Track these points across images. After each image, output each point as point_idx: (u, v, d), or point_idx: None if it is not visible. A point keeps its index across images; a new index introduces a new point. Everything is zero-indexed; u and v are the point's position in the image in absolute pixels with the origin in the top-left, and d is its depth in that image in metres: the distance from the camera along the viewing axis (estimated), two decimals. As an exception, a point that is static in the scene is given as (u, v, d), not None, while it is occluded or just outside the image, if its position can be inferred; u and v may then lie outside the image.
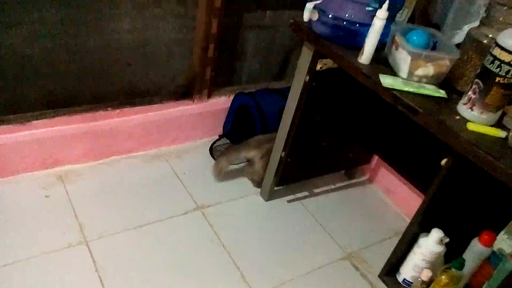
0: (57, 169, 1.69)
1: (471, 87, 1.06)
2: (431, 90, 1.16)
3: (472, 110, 1.07)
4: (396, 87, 1.14)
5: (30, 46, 1.44)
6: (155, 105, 1.82)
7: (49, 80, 1.55)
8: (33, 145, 1.59)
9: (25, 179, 1.62)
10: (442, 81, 1.21)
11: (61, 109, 1.62)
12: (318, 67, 1.42)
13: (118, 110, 1.73)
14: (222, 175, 1.79)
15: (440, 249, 1.26)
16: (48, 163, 1.67)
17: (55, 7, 1.41)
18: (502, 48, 0.97)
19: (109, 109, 1.71)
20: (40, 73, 1.51)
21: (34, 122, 1.57)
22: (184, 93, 1.88)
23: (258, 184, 1.81)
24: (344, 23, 1.28)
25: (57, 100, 1.61)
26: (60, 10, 1.42)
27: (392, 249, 1.37)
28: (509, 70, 0.98)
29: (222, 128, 2.04)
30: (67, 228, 1.48)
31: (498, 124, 1.08)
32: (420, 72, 1.18)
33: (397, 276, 1.39)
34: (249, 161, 1.79)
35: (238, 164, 1.87)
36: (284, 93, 1.76)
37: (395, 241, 1.37)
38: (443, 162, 1.15)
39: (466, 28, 1.32)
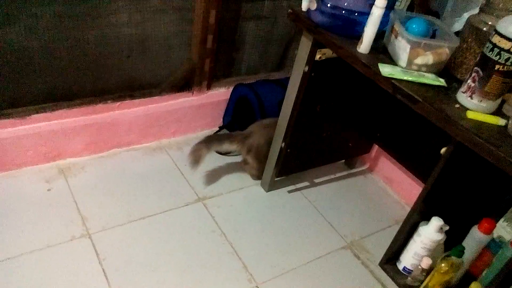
0: (58, 162, 1.70)
1: (470, 75, 1.06)
2: (430, 78, 1.16)
3: (471, 98, 1.06)
4: (396, 76, 1.14)
5: (29, 41, 1.44)
6: (155, 98, 1.82)
7: (48, 74, 1.54)
8: (34, 139, 1.60)
9: (27, 173, 1.63)
10: (442, 69, 1.21)
11: (61, 102, 1.62)
12: (317, 57, 1.42)
13: (118, 103, 1.73)
14: (199, 164, 1.66)
15: (440, 237, 1.27)
16: (50, 157, 1.68)
17: (54, 1, 1.40)
18: (502, 36, 0.97)
19: (109, 102, 1.71)
20: (40, 67, 1.51)
21: (34, 116, 1.58)
22: (184, 85, 1.87)
23: (258, 177, 1.82)
24: (343, 12, 1.27)
25: (57, 94, 1.61)
26: (58, 4, 1.42)
27: (392, 237, 1.38)
28: (508, 58, 0.98)
29: (222, 120, 2.04)
30: (70, 221, 1.49)
31: (498, 112, 1.08)
32: (419, 60, 1.18)
33: (397, 264, 1.40)
34: (244, 161, 1.78)
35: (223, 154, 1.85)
36: (283, 84, 1.76)
37: (395, 229, 1.38)
38: (443, 150, 1.16)
39: (465, 16, 1.31)
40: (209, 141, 1.66)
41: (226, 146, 1.69)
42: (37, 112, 1.58)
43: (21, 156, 1.61)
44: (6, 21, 1.37)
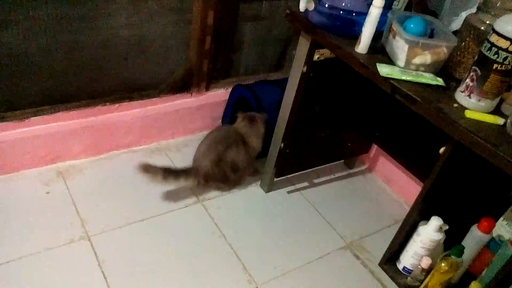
0: (57, 165, 1.70)
1: (468, 75, 1.06)
2: (429, 78, 1.15)
3: (470, 97, 1.06)
4: (394, 76, 1.14)
5: (27, 44, 1.44)
6: (154, 99, 1.81)
7: (46, 77, 1.54)
8: (33, 141, 1.59)
9: (25, 176, 1.62)
10: (440, 69, 1.20)
11: (59, 105, 1.62)
12: (316, 57, 1.42)
13: (116, 105, 1.73)
14: (145, 175, 1.55)
15: (440, 236, 1.27)
16: (48, 159, 1.67)
17: (51, 4, 1.40)
18: (499, 35, 0.97)
19: (108, 104, 1.71)
20: (38, 70, 1.51)
21: (33, 118, 1.57)
22: (182, 86, 1.87)
23: (229, 189, 1.77)
24: (341, 12, 1.27)
25: (55, 96, 1.60)
26: (56, 6, 1.41)
27: (392, 237, 1.38)
28: (506, 57, 0.97)
29: (220, 121, 2.04)
30: (69, 223, 1.49)
31: (496, 111, 1.08)
32: (417, 60, 1.18)
33: (397, 264, 1.40)
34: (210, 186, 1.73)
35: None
36: (282, 84, 1.76)
37: (395, 229, 1.38)
38: (442, 150, 1.15)
39: (463, 15, 1.31)
40: (167, 173, 1.58)
41: (182, 182, 1.62)
42: (35, 115, 1.58)
43: (20, 159, 1.61)
44: (3, 24, 1.37)
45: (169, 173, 1.58)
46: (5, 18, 1.36)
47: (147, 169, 1.54)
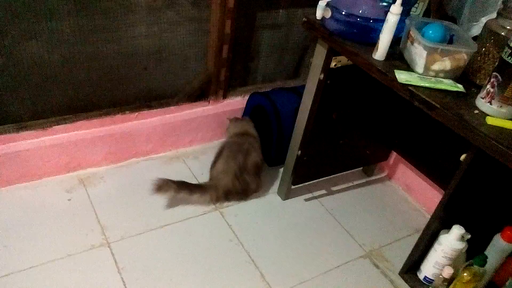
0: (78, 172, 1.73)
1: (489, 81, 1.04)
2: (448, 84, 1.14)
3: (491, 104, 1.05)
4: (412, 83, 1.13)
5: (50, 54, 1.48)
6: (172, 108, 1.84)
7: (68, 86, 1.58)
8: (55, 149, 1.63)
9: (47, 183, 1.66)
10: (460, 75, 1.19)
11: (81, 113, 1.66)
12: (333, 64, 1.41)
13: (136, 114, 1.76)
14: (158, 193, 1.58)
15: (462, 245, 1.24)
16: (70, 167, 1.71)
17: (72, 16, 1.44)
18: (521, 40, 0.95)
19: (127, 112, 1.74)
20: (60, 80, 1.55)
21: (55, 127, 1.61)
22: (200, 94, 1.89)
23: (252, 194, 1.78)
24: (358, 19, 1.26)
25: (76, 105, 1.64)
26: (77, 18, 1.46)
27: (412, 246, 1.35)
28: (528, 62, 0.96)
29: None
30: (90, 230, 1.51)
31: (519, 118, 1.06)
32: (436, 66, 1.16)
33: (418, 273, 1.37)
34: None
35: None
36: (299, 92, 1.76)
37: (415, 238, 1.35)
38: (463, 157, 1.13)
39: (483, 20, 1.29)
40: (180, 186, 1.60)
41: (195, 198, 1.63)
42: (58, 124, 1.62)
43: (42, 166, 1.65)
44: (27, 36, 1.41)
45: (181, 186, 1.60)
46: (29, 29, 1.40)
47: (160, 187, 1.56)
